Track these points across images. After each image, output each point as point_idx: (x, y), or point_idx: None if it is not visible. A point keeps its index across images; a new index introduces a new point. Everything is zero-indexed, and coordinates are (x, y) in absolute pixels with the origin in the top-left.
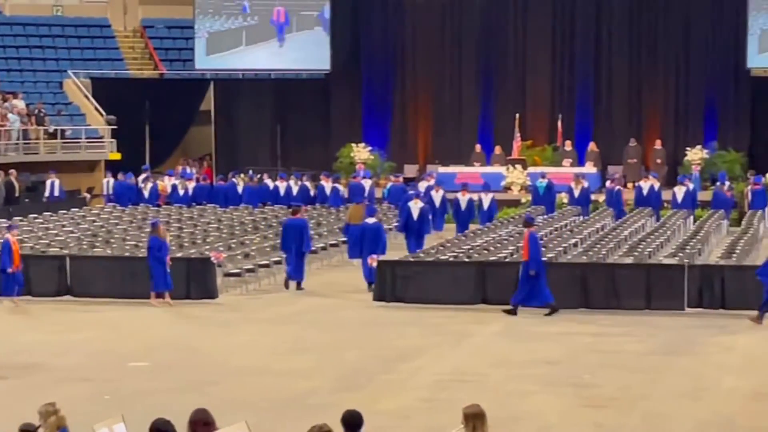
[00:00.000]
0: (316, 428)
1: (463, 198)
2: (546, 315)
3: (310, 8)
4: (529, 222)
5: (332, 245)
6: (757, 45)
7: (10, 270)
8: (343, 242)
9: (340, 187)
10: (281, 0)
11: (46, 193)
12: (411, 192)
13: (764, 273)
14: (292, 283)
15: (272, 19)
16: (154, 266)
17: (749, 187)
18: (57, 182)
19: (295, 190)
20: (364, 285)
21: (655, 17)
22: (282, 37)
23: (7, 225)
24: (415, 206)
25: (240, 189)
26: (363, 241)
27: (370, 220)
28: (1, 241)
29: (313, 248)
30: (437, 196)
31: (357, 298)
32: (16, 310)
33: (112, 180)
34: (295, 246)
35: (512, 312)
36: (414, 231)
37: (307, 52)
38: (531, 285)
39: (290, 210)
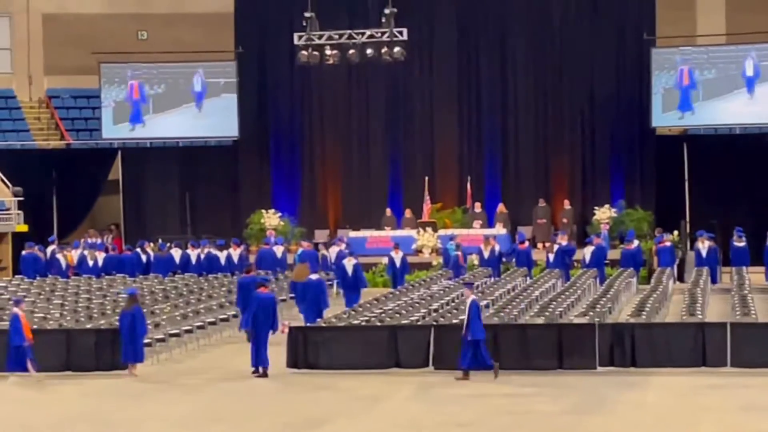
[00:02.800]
0: None
1: (396, 256)
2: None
3: (218, 75)
4: (261, 283)
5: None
6: (661, 104)
7: (26, 344)
8: (291, 298)
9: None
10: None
11: None
12: (345, 251)
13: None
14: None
15: (127, 95)
16: (135, 337)
17: (657, 245)
18: None
19: (202, 257)
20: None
21: (561, 78)
22: (136, 116)
23: (14, 299)
24: (349, 263)
25: (152, 258)
26: (306, 296)
27: (313, 277)
28: (10, 315)
29: None
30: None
31: (270, 365)
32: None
33: None
34: (248, 301)
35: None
36: (350, 286)
37: (215, 118)
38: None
39: (244, 270)
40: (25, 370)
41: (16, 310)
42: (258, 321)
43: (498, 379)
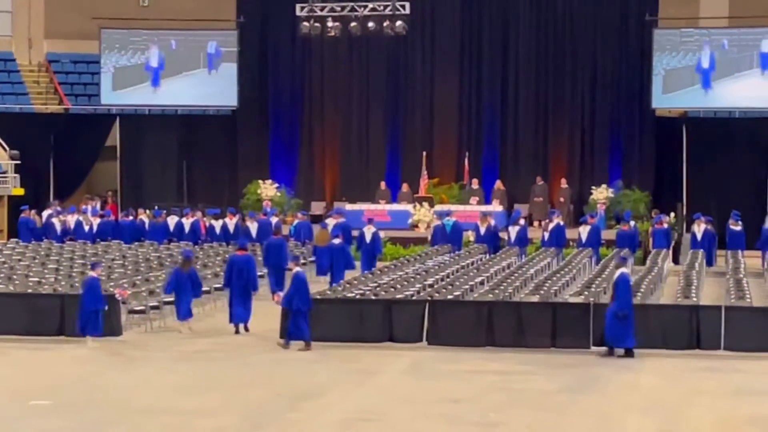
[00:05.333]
0: None
1: (447, 222)
2: None
3: (218, 44)
4: (241, 247)
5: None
6: (662, 85)
7: (106, 308)
8: (311, 262)
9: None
10: (194, 36)
11: None
12: (364, 219)
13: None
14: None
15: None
16: (188, 296)
17: (655, 226)
18: None
19: (195, 226)
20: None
21: (562, 57)
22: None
23: (91, 263)
24: (369, 231)
25: (147, 225)
26: (332, 259)
27: (336, 241)
28: (86, 279)
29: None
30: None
31: (263, 336)
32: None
33: None
34: (276, 262)
35: None
36: (367, 253)
37: (214, 87)
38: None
39: (273, 232)
40: (100, 333)
41: (93, 273)
42: (233, 281)
43: (491, 356)
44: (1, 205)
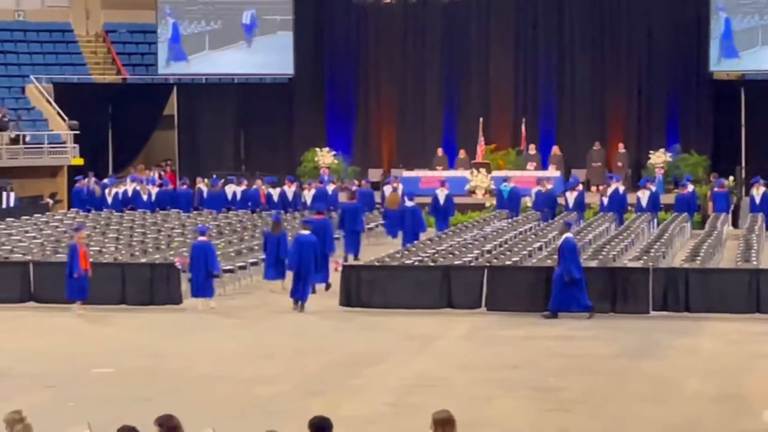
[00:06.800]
0: None
1: (504, 187)
2: None
3: (274, 12)
4: (306, 225)
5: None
6: (719, 49)
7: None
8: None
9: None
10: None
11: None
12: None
13: None
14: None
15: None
16: (279, 258)
17: (715, 189)
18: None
19: (250, 194)
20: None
21: (618, 21)
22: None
23: (199, 228)
24: (441, 193)
25: (205, 194)
26: (404, 221)
27: (409, 204)
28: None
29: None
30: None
31: (322, 303)
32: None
33: None
34: (351, 225)
35: None
36: (441, 213)
37: (271, 56)
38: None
39: (347, 196)
40: (212, 296)
41: (202, 238)
42: (302, 261)
43: (549, 321)
44: (60, 175)
